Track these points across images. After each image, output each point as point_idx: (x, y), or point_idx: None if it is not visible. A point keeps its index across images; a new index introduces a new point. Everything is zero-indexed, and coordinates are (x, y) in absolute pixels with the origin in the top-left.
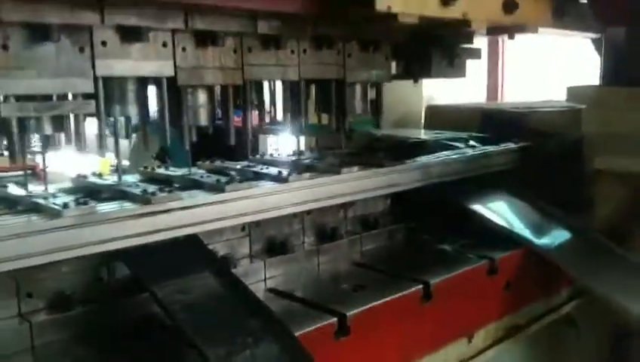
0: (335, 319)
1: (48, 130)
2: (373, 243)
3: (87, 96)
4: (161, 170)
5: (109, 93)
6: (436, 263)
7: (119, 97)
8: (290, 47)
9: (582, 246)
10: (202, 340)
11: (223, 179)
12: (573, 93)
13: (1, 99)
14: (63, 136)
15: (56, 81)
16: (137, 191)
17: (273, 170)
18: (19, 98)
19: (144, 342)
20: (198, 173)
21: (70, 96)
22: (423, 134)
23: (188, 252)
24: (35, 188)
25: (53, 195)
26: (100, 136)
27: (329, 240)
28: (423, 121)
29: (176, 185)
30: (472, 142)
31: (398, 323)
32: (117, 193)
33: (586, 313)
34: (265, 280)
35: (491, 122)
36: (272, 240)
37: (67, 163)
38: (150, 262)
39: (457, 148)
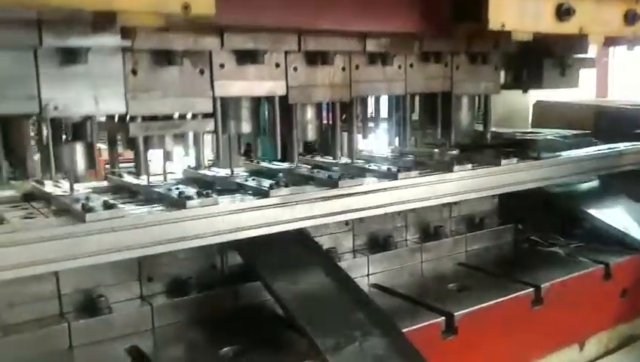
0: (442, 318)
1: (170, 146)
2: (479, 243)
3: (205, 115)
4: (266, 164)
5: (225, 111)
6: (547, 266)
7: (234, 115)
8: (396, 62)
9: None
10: (312, 330)
11: (335, 174)
12: None
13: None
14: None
15: (178, 101)
16: (253, 183)
17: (381, 167)
18: (144, 118)
19: (255, 329)
20: (304, 168)
21: (189, 115)
22: (533, 132)
23: (297, 244)
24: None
25: (176, 186)
26: (217, 151)
27: (433, 239)
28: (530, 118)
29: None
30: (592, 140)
31: (506, 326)
32: (233, 185)
33: None
34: (368, 275)
35: (606, 120)
36: (375, 236)
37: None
38: (262, 252)
39: (576, 146)
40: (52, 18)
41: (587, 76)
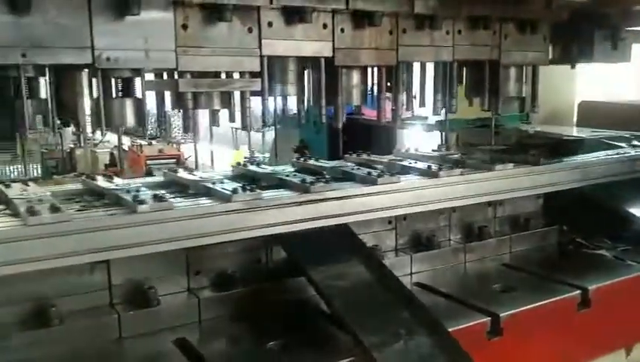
0: (488, 319)
1: (217, 105)
2: (523, 244)
3: (252, 74)
4: (312, 162)
5: (272, 73)
6: (593, 269)
7: (280, 77)
8: (444, 27)
9: None
10: (358, 327)
11: (374, 172)
12: None
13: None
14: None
15: (227, 59)
16: (296, 180)
17: (422, 165)
18: (193, 75)
19: (299, 324)
20: (348, 165)
21: (237, 75)
22: (578, 132)
23: (341, 241)
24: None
25: (221, 181)
26: (263, 114)
27: (476, 239)
28: (575, 117)
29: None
30: (635, 142)
31: (552, 329)
32: (277, 181)
33: None
34: (411, 274)
35: None
36: (418, 235)
37: (204, 154)
38: (306, 248)
39: (619, 147)
40: None
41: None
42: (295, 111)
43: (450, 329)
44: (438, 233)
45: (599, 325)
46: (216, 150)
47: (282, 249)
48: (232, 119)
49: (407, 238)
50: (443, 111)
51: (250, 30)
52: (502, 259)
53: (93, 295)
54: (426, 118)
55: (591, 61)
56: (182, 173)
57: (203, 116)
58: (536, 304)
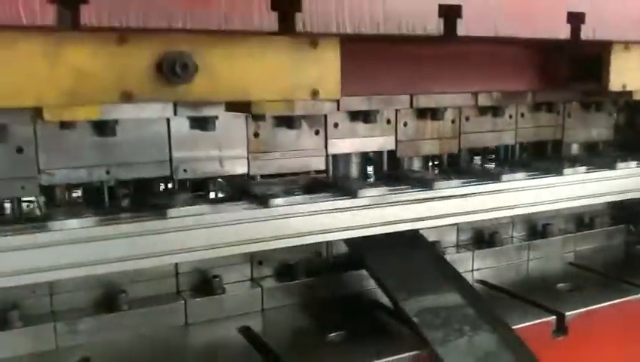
0: (553, 317)
1: None
2: (589, 243)
3: (318, 172)
4: None
5: (335, 166)
6: None
7: (343, 171)
8: (507, 111)
9: None
10: (421, 322)
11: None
12: None
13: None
14: None
15: (295, 161)
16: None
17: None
18: (263, 176)
19: (358, 316)
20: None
21: None
22: None
23: (403, 236)
24: None
25: None
26: None
27: (540, 237)
28: None
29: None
30: None
31: (619, 329)
32: None
33: None
34: (472, 270)
35: None
36: (480, 231)
37: None
38: (369, 243)
39: None
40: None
41: None
42: None
43: (514, 327)
44: (501, 230)
45: None
46: None
47: (344, 242)
48: None
49: (469, 235)
50: None
51: (317, 133)
52: (566, 258)
53: (161, 282)
54: None
55: None
56: None
57: None
58: (603, 304)
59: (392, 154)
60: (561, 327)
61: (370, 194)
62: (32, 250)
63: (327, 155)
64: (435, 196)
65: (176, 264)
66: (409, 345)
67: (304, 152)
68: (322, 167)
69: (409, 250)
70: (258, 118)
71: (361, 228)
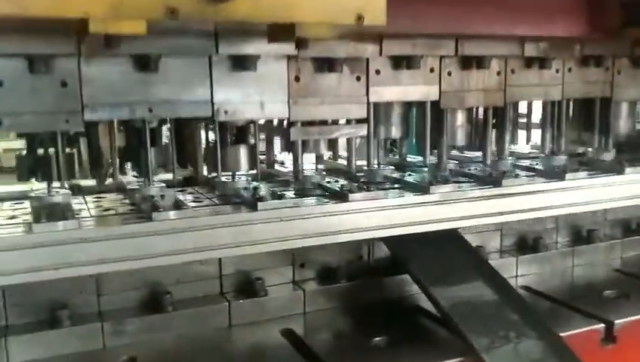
0: (602, 325)
1: (324, 150)
2: (636, 249)
3: (358, 120)
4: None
5: (377, 115)
6: None
7: (385, 120)
8: (555, 65)
9: None
10: (466, 328)
11: (495, 172)
12: None
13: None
14: None
15: (335, 107)
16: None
17: (544, 166)
18: (303, 123)
19: (401, 321)
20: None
21: (343, 120)
22: None
23: (446, 241)
24: None
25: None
26: (368, 156)
27: (585, 243)
28: None
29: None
30: None
31: None
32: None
33: None
34: (516, 276)
35: None
36: (524, 236)
37: None
38: (412, 247)
39: None
40: (229, 29)
41: None
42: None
43: (561, 335)
44: (545, 235)
45: None
46: None
47: (387, 248)
48: (335, 159)
49: (513, 240)
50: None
51: (358, 78)
52: (612, 265)
53: (205, 284)
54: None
55: None
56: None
57: None
58: None
59: (435, 105)
60: (609, 336)
61: (441, 190)
62: None
63: (368, 103)
64: (503, 193)
65: (220, 266)
66: (454, 351)
67: (345, 98)
68: (363, 115)
69: (451, 253)
70: (301, 44)
71: (431, 223)
